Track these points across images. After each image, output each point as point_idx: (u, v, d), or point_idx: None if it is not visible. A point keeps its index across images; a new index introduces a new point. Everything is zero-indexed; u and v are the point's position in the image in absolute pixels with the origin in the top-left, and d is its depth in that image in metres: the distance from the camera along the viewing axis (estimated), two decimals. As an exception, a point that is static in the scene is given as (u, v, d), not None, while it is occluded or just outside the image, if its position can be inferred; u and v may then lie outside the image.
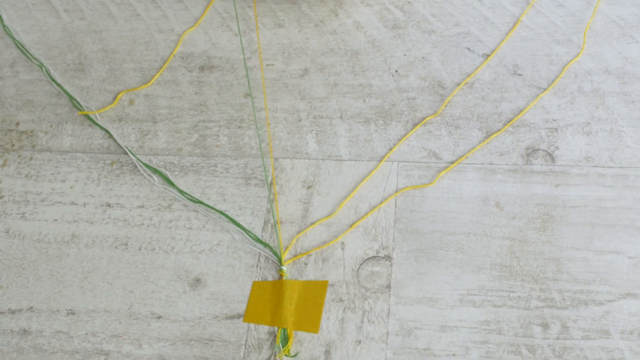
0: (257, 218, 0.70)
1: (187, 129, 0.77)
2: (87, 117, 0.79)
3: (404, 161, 0.72)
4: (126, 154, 0.76)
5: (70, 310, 0.67)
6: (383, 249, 0.67)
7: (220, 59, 0.83)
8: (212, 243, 0.69)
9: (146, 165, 0.75)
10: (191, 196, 0.72)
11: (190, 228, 0.71)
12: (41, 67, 0.84)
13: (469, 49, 0.80)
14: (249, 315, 0.65)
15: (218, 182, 0.73)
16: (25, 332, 0.66)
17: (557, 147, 0.71)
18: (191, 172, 0.74)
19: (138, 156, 0.76)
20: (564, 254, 0.65)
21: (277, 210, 0.70)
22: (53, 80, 0.83)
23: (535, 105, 0.74)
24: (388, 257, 0.67)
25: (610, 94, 0.74)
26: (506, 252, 0.66)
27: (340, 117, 0.76)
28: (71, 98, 0.81)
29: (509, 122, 0.73)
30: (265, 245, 0.68)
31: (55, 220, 0.73)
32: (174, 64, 0.83)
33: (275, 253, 0.68)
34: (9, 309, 0.68)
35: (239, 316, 0.65)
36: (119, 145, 0.77)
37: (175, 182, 0.73)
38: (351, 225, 0.69)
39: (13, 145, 0.79)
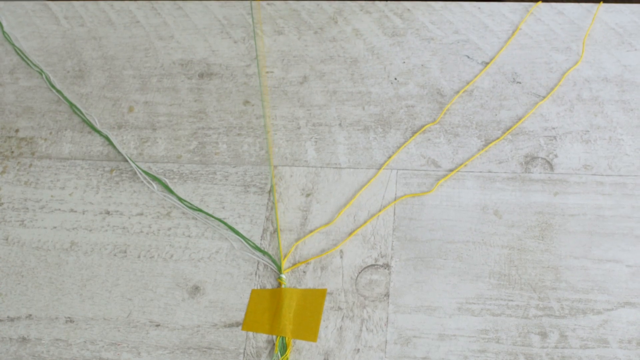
0: (255, 226, 0.70)
1: (186, 136, 0.78)
2: (87, 123, 0.80)
3: (403, 169, 0.72)
4: (125, 161, 0.76)
5: (69, 318, 0.67)
6: (382, 257, 0.67)
7: (220, 66, 0.83)
8: (211, 251, 0.69)
9: (145, 173, 0.75)
10: (190, 204, 0.72)
11: (189, 236, 0.71)
12: (41, 74, 0.85)
13: (468, 57, 0.80)
14: (248, 323, 0.65)
15: (217, 189, 0.73)
16: (24, 340, 0.66)
17: (556, 155, 0.71)
18: (190, 179, 0.74)
19: (137, 163, 0.76)
20: (562, 263, 0.65)
21: (277, 218, 0.71)
22: (53, 86, 0.83)
23: (534, 113, 0.74)
24: (387, 266, 0.67)
25: (609, 101, 0.74)
26: (505, 261, 0.66)
27: (340, 124, 0.76)
28: (71, 105, 0.81)
29: (507, 130, 0.74)
30: (265, 253, 0.68)
31: (55, 227, 0.73)
32: (174, 71, 0.83)
33: (274, 261, 0.68)
34: (8, 317, 0.68)
35: (237, 324, 0.65)
36: (118, 152, 0.77)
37: (174, 190, 0.73)
38: (350, 234, 0.69)
39: (12, 152, 0.79)
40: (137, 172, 0.75)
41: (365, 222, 0.69)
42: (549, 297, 0.63)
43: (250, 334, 0.65)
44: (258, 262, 0.68)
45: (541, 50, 0.79)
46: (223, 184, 0.74)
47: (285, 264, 0.68)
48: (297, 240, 0.69)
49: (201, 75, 0.82)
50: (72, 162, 0.77)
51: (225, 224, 0.70)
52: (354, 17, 0.85)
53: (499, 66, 0.79)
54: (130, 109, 0.81)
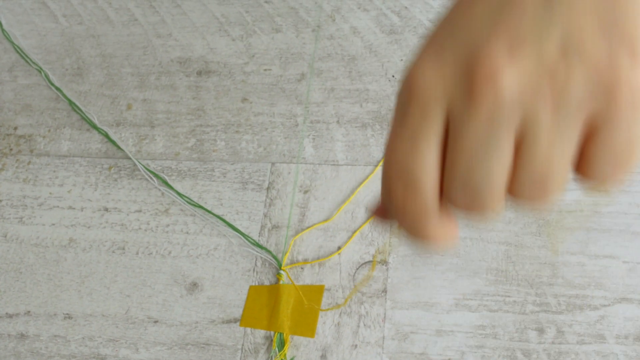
0: (253, 222, 0.71)
1: (184, 134, 0.78)
2: (87, 120, 0.80)
3: (401, 166, 0.72)
4: (124, 158, 0.76)
5: (67, 314, 0.67)
6: (379, 253, 0.67)
7: (218, 63, 0.83)
8: (209, 247, 0.70)
9: (146, 169, 0.75)
10: (190, 199, 0.72)
11: (187, 232, 0.71)
12: (40, 72, 0.85)
13: (466, 54, 0.80)
14: (246, 319, 0.65)
15: (215, 186, 0.73)
16: (22, 336, 0.67)
17: (552, 152, 0.71)
18: (188, 176, 0.74)
19: (136, 161, 0.76)
20: (559, 259, 0.65)
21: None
22: (52, 84, 0.83)
23: (531, 110, 0.74)
24: (384, 262, 0.67)
25: (606, 99, 0.74)
26: (502, 257, 0.66)
27: (337, 122, 0.77)
28: (70, 102, 0.81)
29: (505, 127, 0.74)
30: (264, 249, 0.69)
31: (53, 224, 0.73)
32: (172, 69, 0.83)
33: (274, 257, 0.68)
34: (7, 313, 0.68)
35: (235, 320, 0.65)
36: (116, 149, 0.77)
37: (173, 187, 0.74)
38: (348, 231, 0.69)
39: (11, 149, 0.79)
40: (139, 167, 0.75)
41: (365, 222, 0.69)
42: (545, 293, 0.64)
43: (248, 329, 0.65)
44: (256, 259, 0.69)
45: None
46: (221, 180, 0.74)
47: (285, 260, 0.68)
48: (294, 236, 0.69)
49: (199, 73, 0.82)
50: (71, 160, 0.77)
51: (224, 220, 0.71)
52: (351, 14, 0.85)
53: (497, 63, 0.79)
54: (129, 107, 0.81)
